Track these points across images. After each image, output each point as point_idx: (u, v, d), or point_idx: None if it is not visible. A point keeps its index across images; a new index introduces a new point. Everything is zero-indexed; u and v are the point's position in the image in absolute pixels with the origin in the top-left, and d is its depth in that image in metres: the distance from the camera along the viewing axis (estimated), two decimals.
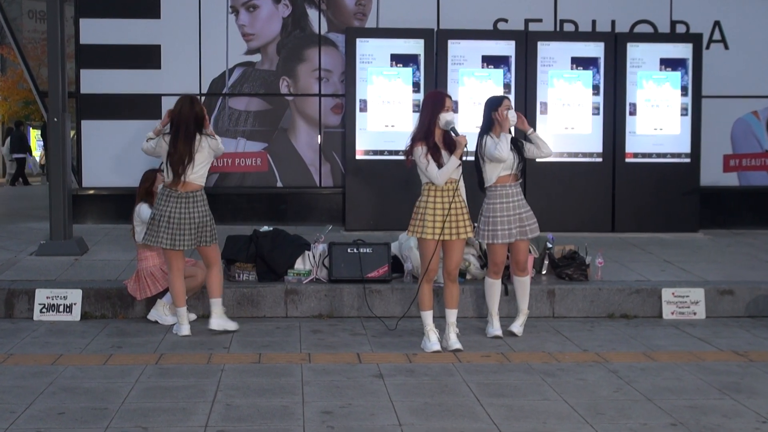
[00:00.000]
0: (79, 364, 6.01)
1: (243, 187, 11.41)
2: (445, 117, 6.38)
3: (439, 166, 6.34)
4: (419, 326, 6.78)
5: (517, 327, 7.03)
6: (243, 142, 11.32)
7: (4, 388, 5.45)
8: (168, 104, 11.04)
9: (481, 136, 6.89)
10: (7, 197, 17.01)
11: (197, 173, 6.86)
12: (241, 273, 7.94)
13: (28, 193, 18.23)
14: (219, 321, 6.97)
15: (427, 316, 6.57)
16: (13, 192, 19.10)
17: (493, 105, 6.87)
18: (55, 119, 9.02)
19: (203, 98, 11.19)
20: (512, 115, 6.80)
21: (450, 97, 6.51)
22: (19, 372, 5.80)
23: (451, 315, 6.60)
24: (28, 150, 24.46)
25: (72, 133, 10.33)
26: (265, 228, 8.28)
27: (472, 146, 6.61)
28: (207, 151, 6.86)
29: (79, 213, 10.93)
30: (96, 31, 11.17)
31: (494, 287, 6.99)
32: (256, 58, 11.37)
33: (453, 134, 6.38)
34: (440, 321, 6.76)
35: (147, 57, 11.18)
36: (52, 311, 7.46)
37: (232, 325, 7.02)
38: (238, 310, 7.63)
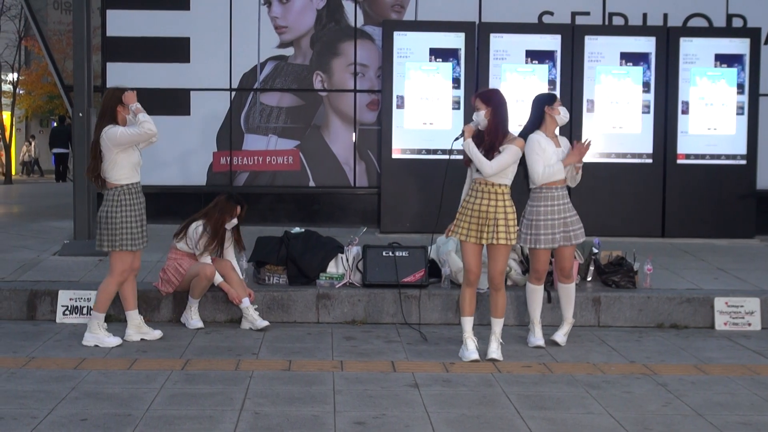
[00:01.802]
0: (103, 369, 6.00)
1: (274, 187, 11.35)
2: (473, 116, 6.38)
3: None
4: (457, 334, 6.76)
5: (560, 336, 6.91)
6: (274, 140, 11.29)
7: (25, 392, 5.44)
8: (197, 99, 11.19)
9: (526, 133, 6.73)
10: (31, 195, 17.21)
11: (104, 168, 6.60)
12: (271, 276, 7.86)
13: (52, 190, 18.38)
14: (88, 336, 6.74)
15: (466, 323, 6.46)
16: (37, 189, 19.31)
17: (547, 101, 6.77)
18: (81, 114, 9.04)
19: (233, 93, 11.21)
20: (564, 113, 6.73)
21: (478, 95, 6.43)
22: (41, 376, 5.79)
23: (494, 324, 6.49)
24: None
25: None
26: (297, 229, 8.23)
27: None
28: (105, 145, 6.56)
29: None
30: (123, 22, 11.17)
31: (536, 294, 6.88)
32: (289, 51, 11.32)
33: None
34: (479, 329, 6.65)
35: (175, 50, 11.16)
36: (76, 313, 7.40)
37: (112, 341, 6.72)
38: (268, 315, 7.55)
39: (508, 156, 6.21)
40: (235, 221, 7.30)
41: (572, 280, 6.91)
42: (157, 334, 6.87)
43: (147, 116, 6.57)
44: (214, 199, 7.34)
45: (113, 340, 6.63)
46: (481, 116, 6.26)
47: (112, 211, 6.53)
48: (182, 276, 7.23)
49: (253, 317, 7.21)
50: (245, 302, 7.22)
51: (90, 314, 7.25)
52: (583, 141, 6.75)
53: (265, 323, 7.21)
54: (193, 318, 7.27)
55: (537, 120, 6.72)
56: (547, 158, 6.60)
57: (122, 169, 6.55)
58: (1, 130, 26.34)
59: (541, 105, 6.72)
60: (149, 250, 8.79)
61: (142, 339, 6.79)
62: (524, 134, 6.70)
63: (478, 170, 6.26)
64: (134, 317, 6.86)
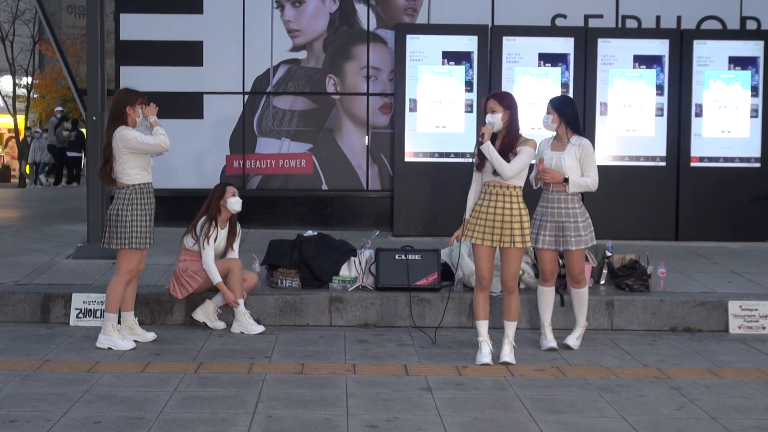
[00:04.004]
0: (116, 372, 6.01)
1: (286, 190, 11.33)
2: (487, 119, 6.32)
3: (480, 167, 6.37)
4: (470, 337, 6.79)
5: (573, 340, 6.90)
6: (287, 143, 11.28)
7: (39, 395, 5.45)
8: (210, 103, 11.18)
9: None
10: (45, 198, 17.26)
11: (115, 169, 6.66)
12: (283, 279, 7.85)
13: (65, 194, 18.42)
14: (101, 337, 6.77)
15: (480, 326, 6.43)
16: (50, 193, 19.36)
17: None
18: (94, 118, 9.03)
19: (246, 96, 11.22)
20: (542, 119, 6.81)
21: (492, 98, 6.39)
22: (55, 379, 5.80)
23: (507, 327, 6.46)
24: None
25: None
26: (310, 233, 8.22)
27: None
28: (116, 145, 6.61)
29: None
30: (137, 26, 11.17)
31: (545, 296, 6.88)
32: (302, 55, 11.30)
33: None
34: (492, 332, 6.58)
35: (189, 54, 11.16)
36: (89, 316, 7.43)
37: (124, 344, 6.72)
38: (281, 318, 7.58)
39: (525, 157, 6.22)
40: (236, 199, 7.32)
41: (583, 285, 6.86)
42: (149, 336, 6.89)
43: (163, 130, 6.65)
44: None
45: (126, 344, 6.63)
46: (497, 118, 6.23)
47: (123, 210, 6.58)
48: (198, 282, 7.25)
49: (248, 322, 7.21)
50: (241, 304, 7.21)
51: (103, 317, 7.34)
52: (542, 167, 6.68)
53: (260, 329, 7.21)
54: (216, 318, 7.33)
55: None
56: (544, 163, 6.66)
57: (133, 169, 6.61)
58: (15, 134, 26.48)
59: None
60: (162, 253, 8.90)
61: (134, 340, 6.78)
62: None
63: (495, 173, 6.22)
64: (128, 318, 6.89)
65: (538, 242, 6.69)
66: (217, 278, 7.15)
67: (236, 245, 7.46)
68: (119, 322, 6.81)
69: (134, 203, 6.60)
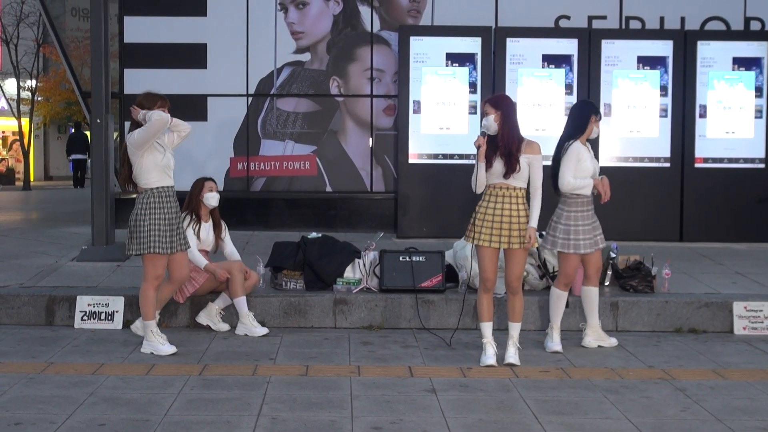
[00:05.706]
0: (121, 374, 6.01)
1: (290, 192, 11.34)
2: (482, 123, 6.33)
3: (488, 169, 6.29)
4: (474, 338, 6.76)
5: (611, 338, 6.97)
6: (291, 145, 11.29)
7: (44, 397, 5.45)
8: (214, 105, 11.18)
9: (568, 137, 6.75)
10: (50, 201, 17.29)
11: (134, 173, 6.64)
12: (288, 281, 7.86)
13: (70, 196, 18.44)
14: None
15: (485, 328, 6.42)
16: (55, 195, 19.39)
17: (595, 110, 6.80)
18: (98, 120, 9.02)
19: (250, 99, 11.20)
20: (598, 130, 6.82)
21: (486, 102, 6.37)
22: (60, 381, 5.81)
23: (512, 328, 6.45)
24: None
25: (115, 134, 10.18)
26: (314, 234, 8.21)
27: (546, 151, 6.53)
28: (130, 149, 6.59)
29: (122, 217, 10.73)
30: (140, 29, 11.20)
31: (562, 300, 6.86)
32: (306, 57, 11.31)
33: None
34: (496, 334, 6.60)
35: (193, 56, 11.19)
36: (94, 319, 7.44)
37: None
38: (285, 320, 7.58)
39: (540, 167, 6.26)
40: (213, 194, 7.36)
41: (597, 284, 6.92)
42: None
43: (153, 114, 6.45)
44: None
45: (167, 348, 6.56)
46: (490, 120, 6.20)
47: (141, 214, 6.51)
48: (199, 283, 7.22)
49: (252, 324, 7.19)
50: (244, 305, 7.20)
51: (111, 320, 7.41)
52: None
53: (264, 331, 7.19)
54: (219, 321, 7.33)
55: (582, 126, 6.70)
56: (582, 169, 6.60)
57: (149, 172, 6.54)
58: (19, 137, 26.48)
59: (588, 112, 6.72)
60: None
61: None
62: (566, 137, 6.72)
63: (505, 175, 6.18)
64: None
65: (598, 243, 6.70)
66: (202, 262, 7.17)
67: (227, 237, 7.46)
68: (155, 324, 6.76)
69: (153, 207, 6.52)
